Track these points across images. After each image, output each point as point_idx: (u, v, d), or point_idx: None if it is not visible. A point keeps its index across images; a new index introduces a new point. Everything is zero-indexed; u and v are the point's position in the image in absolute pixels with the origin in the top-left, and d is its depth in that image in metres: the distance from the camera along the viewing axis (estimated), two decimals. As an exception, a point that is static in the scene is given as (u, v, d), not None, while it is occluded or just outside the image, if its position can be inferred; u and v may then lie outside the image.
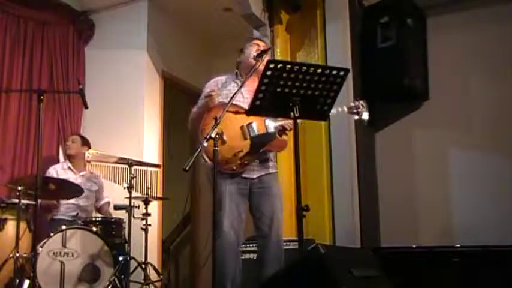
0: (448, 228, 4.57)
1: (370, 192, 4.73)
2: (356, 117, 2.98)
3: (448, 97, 4.73)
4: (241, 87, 2.98)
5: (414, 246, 4.38)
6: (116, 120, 5.30)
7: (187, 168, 2.58)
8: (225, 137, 2.99)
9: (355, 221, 4.30)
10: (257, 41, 3.36)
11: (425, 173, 4.75)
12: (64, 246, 3.81)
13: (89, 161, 4.17)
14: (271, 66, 2.53)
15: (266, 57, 3.05)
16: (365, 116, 2.98)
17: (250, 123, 3.09)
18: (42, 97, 3.37)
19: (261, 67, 2.93)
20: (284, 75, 2.54)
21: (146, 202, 4.24)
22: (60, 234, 3.82)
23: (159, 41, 5.53)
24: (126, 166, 4.16)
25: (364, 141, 4.63)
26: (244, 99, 3.11)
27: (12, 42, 5.10)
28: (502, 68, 4.54)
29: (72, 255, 3.83)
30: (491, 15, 4.61)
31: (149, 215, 4.23)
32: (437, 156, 4.74)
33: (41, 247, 3.72)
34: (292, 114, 2.60)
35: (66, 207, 4.49)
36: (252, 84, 3.17)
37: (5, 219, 3.89)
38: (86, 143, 4.79)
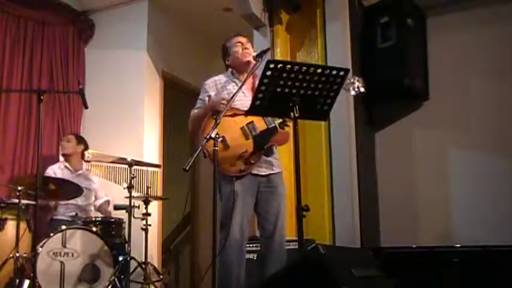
0: (448, 228, 4.57)
1: (370, 192, 4.73)
2: (353, 92, 2.95)
3: (448, 97, 4.73)
4: (241, 87, 2.98)
5: (414, 246, 4.37)
6: (116, 120, 5.30)
7: (187, 168, 2.58)
8: (227, 142, 2.98)
9: (355, 221, 4.30)
10: (239, 38, 3.34)
11: (425, 173, 4.75)
12: (64, 246, 3.82)
13: (88, 161, 4.18)
14: (271, 66, 2.53)
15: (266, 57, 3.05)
16: (361, 90, 2.95)
17: (250, 123, 3.09)
18: (42, 97, 3.37)
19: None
20: (284, 75, 2.54)
21: (146, 202, 4.24)
22: (60, 234, 3.82)
23: (159, 41, 5.53)
24: (126, 166, 4.16)
25: (364, 141, 4.63)
26: (246, 97, 3.11)
27: (12, 42, 5.11)
28: (502, 68, 4.53)
29: (72, 255, 3.83)
30: (491, 15, 4.61)
31: (149, 215, 4.23)
32: (437, 156, 4.74)
33: (41, 247, 3.72)
34: (292, 114, 2.60)
35: (66, 207, 4.49)
36: (250, 81, 3.19)
37: (5, 219, 3.89)
38: (81, 142, 4.79)
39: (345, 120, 4.39)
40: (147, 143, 5.29)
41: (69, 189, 4.16)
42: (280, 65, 2.54)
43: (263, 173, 3.13)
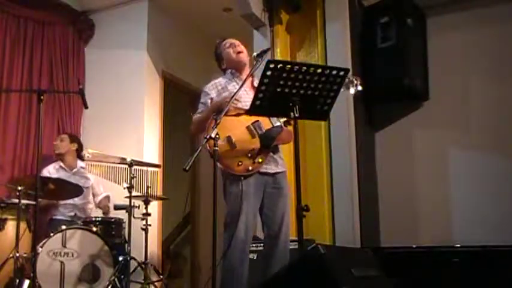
0: (448, 228, 4.57)
1: (370, 192, 4.73)
2: (352, 91, 2.95)
3: (448, 97, 4.73)
4: (241, 86, 2.98)
5: (414, 246, 4.37)
6: (116, 120, 5.30)
7: (187, 168, 2.58)
8: (233, 141, 2.98)
9: (355, 221, 4.30)
10: (229, 40, 3.38)
11: (425, 173, 4.75)
12: (64, 246, 3.82)
13: (88, 160, 4.17)
14: (271, 66, 2.53)
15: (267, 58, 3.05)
16: (359, 88, 2.95)
17: (255, 122, 3.08)
18: (42, 97, 3.37)
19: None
20: (284, 75, 2.54)
21: (146, 202, 4.24)
22: (60, 234, 3.82)
23: (159, 41, 5.53)
24: (126, 166, 4.16)
25: (364, 141, 4.63)
26: (248, 95, 3.10)
27: (12, 42, 5.11)
28: (502, 68, 4.53)
29: (72, 255, 3.83)
30: (491, 15, 4.61)
31: (149, 215, 4.23)
32: (437, 156, 4.74)
33: (41, 247, 3.72)
34: (292, 114, 2.60)
35: (64, 207, 4.48)
36: (250, 79, 3.19)
37: (5, 219, 3.90)
38: (74, 140, 4.79)
39: (345, 120, 4.39)
40: (147, 143, 5.29)
41: (69, 189, 4.16)
42: (280, 65, 2.54)
43: (271, 171, 3.12)
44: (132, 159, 4.19)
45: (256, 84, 2.96)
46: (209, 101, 3.21)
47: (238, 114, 3.07)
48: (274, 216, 3.10)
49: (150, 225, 4.24)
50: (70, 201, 4.44)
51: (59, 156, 4.75)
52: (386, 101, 4.78)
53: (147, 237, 4.20)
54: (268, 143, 3.07)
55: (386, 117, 4.93)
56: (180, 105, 6.13)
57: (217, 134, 2.71)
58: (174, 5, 5.52)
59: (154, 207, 4.98)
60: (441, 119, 4.75)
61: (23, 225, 3.81)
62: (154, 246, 5.01)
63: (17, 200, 3.75)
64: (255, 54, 3.19)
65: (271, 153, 3.12)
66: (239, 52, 3.30)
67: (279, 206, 3.11)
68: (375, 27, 4.68)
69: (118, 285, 3.87)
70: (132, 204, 4.07)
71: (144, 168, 4.33)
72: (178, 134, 6.13)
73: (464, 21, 4.73)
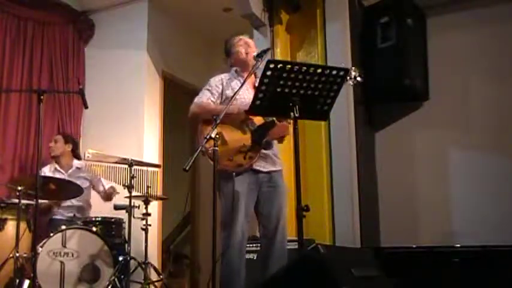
0: (448, 228, 4.57)
1: (370, 192, 4.73)
2: (350, 82, 2.95)
3: (448, 97, 4.73)
4: (241, 86, 2.99)
5: (414, 246, 4.37)
6: (116, 120, 5.30)
7: (187, 168, 2.58)
8: (225, 137, 2.98)
9: (355, 221, 4.30)
10: (245, 39, 3.35)
11: (425, 173, 4.75)
12: (64, 246, 3.82)
13: (88, 161, 4.17)
14: (271, 66, 2.53)
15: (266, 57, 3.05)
16: (358, 79, 2.94)
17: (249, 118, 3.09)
18: (42, 97, 3.37)
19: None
20: (284, 75, 2.54)
21: (146, 202, 4.24)
22: (60, 234, 3.82)
23: (159, 41, 5.53)
24: (126, 166, 4.16)
25: (364, 141, 4.63)
26: (250, 94, 3.10)
27: (12, 42, 5.11)
28: (502, 68, 4.53)
29: (72, 255, 3.83)
30: (491, 15, 4.61)
31: (149, 215, 4.23)
32: (437, 156, 4.74)
33: (41, 247, 3.72)
34: (292, 114, 2.60)
35: (63, 208, 4.47)
36: (252, 79, 3.19)
37: (5, 219, 3.90)
38: (69, 141, 4.74)
39: (345, 120, 4.39)
40: (147, 143, 5.29)
41: (69, 189, 4.15)
42: (280, 65, 2.54)
43: (265, 170, 3.12)
44: (132, 159, 4.18)
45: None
46: (215, 92, 3.20)
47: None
48: (270, 216, 3.10)
49: (150, 225, 4.23)
50: (68, 202, 4.43)
51: (54, 158, 4.72)
52: (387, 101, 4.78)
53: (147, 237, 4.20)
54: (260, 138, 3.07)
55: (386, 117, 4.93)
56: (180, 105, 6.11)
57: (217, 134, 2.71)
58: (174, 5, 5.52)
59: (154, 207, 4.98)
60: (441, 119, 4.75)
61: (23, 225, 3.81)
62: (154, 246, 5.01)
63: (17, 200, 3.75)
64: (255, 54, 3.20)
65: (265, 151, 3.12)
66: (248, 53, 3.28)
67: (274, 205, 3.11)
68: (375, 27, 4.68)
69: (118, 285, 3.87)
70: (132, 204, 4.06)
71: (144, 168, 4.33)
72: (178, 134, 6.14)
73: (464, 21, 4.73)
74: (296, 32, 4.80)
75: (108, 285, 3.84)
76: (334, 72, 2.61)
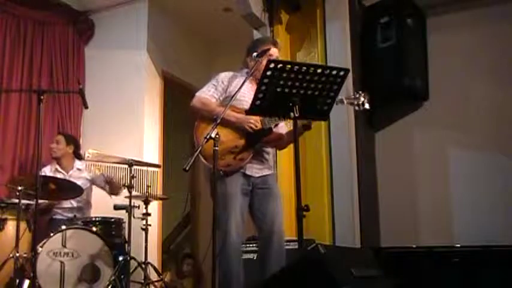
0: (448, 228, 4.56)
1: (370, 192, 4.73)
2: (356, 108, 2.98)
3: (448, 97, 4.72)
4: (241, 87, 2.97)
5: (414, 246, 4.38)
6: (115, 120, 5.30)
7: (187, 168, 2.58)
8: (221, 137, 2.97)
9: (355, 221, 4.30)
10: (276, 54, 3.24)
11: (425, 173, 4.75)
12: (64, 246, 3.82)
13: (88, 161, 4.17)
14: (271, 66, 2.53)
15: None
16: (366, 106, 2.98)
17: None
18: (42, 97, 3.37)
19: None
20: (284, 75, 2.54)
21: (146, 202, 4.24)
22: (60, 234, 3.82)
23: (159, 41, 5.53)
24: (126, 166, 4.16)
25: (364, 142, 4.63)
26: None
27: (12, 42, 5.11)
28: (502, 68, 4.53)
29: (72, 255, 3.83)
30: (491, 15, 4.61)
31: (149, 215, 4.23)
32: (437, 156, 4.74)
33: (41, 247, 3.72)
34: (292, 114, 2.60)
35: (63, 209, 4.46)
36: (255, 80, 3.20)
37: (5, 219, 3.90)
38: (70, 142, 4.69)
39: (345, 120, 4.38)
40: (147, 143, 5.29)
41: (69, 189, 4.15)
42: (280, 65, 2.54)
43: (256, 174, 3.13)
44: (132, 159, 4.18)
45: None
46: (220, 88, 3.20)
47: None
48: (265, 218, 3.10)
49: (150, 225, 4.23)
50: (68, 203, 4.43)
51: (55, 159, 4.70)
52: (387, 101, 4.77)
53: (147, 237, 4.20)
54: (253, 142, 3.07)
55: (386, 117, 4.92)
56: (180, 105, 6.12)
57: (217, 134, 2.71)
58: (174, 5, 5.52)
59: (154, 207, 4.98)
60: (441, 119, 4.75)
61: (23, 225, 3.81)
62: (154, 246, 5.01)
63: (17, 200, 3.75)
64: (255, 54, 3.19)
65: (258, 155, 3.13)
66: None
67: (269, 207, 3.11)
68: (375, 27, 4.68)
69: (118, 285, 3.87)
70: (132, 204, 4.06)
71: (144, 168, 4.33)
72: (178, 134, 6.13)
73: (464, 21, 4.72)
74: (296, 32, 4.80)
75: (108, 285, 3.84)
76: (334, 72, 2.61)
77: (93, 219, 4.26)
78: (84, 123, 5.47)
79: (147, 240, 4.20)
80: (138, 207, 4.20)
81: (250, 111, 2.77)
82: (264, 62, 3.07)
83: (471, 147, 4.60)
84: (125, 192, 4.12)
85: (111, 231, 4.19)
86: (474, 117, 4.62)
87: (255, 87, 3.15)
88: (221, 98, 3.19)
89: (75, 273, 3.81)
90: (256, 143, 3.09)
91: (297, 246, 2.58)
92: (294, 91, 2.59)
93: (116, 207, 4.26)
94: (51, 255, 3.76)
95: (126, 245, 4.06)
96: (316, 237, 3.87)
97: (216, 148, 2.73)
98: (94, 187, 4.73)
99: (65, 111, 5.32)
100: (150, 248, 4.34)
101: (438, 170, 4.71)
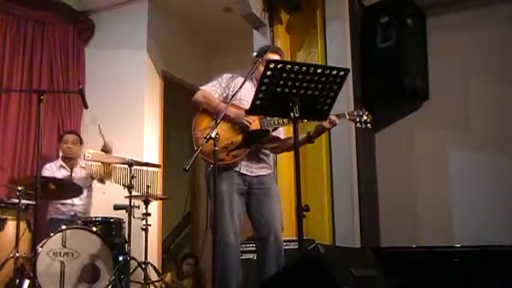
0: (448, 228, 4.57)
1: (370, 192, 4.73)
2: (358, 125, 3.01)
3: (448, 97, 4.72)
4: (240, 87, 2.97)
5: (414, 246, 4.38)
6: (115, 120, 5.30)
7: (187, 168, 2.57)
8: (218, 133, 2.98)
9: (355, 221, 4.30)
10: (272, 56, 3.21)
11: (425, 173, 4.75)
12: (64, 246, 3.82)
13: (88, 161, 4.17)
14: (271, 66, 2.53)
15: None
16: (368, 125, 3.01)
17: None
18: (42, 97, 3.36)
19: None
20: (284, 75, 2.54)
21: (146, 202, 4.24)
22: (60, 234, 3.82)
23: (159, 41, 5.53)
24: (126, 166, 4.16)
25: (364, 142, 4.63)
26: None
27: (12, 42, 5.11)
28: (502, 68, 4.53)
29: (72, 255, 3.83)
30: (491, 15, 4.61)
31: (149, 215, 4.23)
32: (437, 156, 4.74)
33: (41, 247, 3.72)
34: (292, 114, 2.60)
35: (64, 206, 4.47)
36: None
37: (5, 219, 3.90)
38: (82, 142, 4.79)
39: (345, 121, 4.37)
40: (147, 143, 5.29)
41: (69, 189, 4.16)
42: (280, 65, 2.54)
43: (251, 174, 3.12)
44: (132, 159, 4.18)
45: None
46: (224, 85, 3.20)
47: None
48: (262, 218, 3.09)
49: (150, 225, 4.23)
50: (69, 201, 4.43)
51: (67, 158, 4.69)
52: (387, 101, 4.78)
53: (147, 237, 4.20)
54: (249, 142, 3.07)
55: (386, 118, 4.92)
56: (180, 105, 6.13)
57: (217, 134, 2.71)
58: (174, 5, 5.52)
59: (154, 207, 4.98)
60: (441, 119, 4.75)
61: (23, 225, 3.81)
62: (154, 246, 5.01)
63: (17, 200, 3.75)
64: (254, 54, 3.19)
65: (255, 154, 3.12)
66: None
67: (266, 208, 3.10)
68: (375, 27, 4.68)
69: (118, 285, 3.87)
70: (132, 204, 4.07)
71: (144, 168, 4.34)
72: (178, 134, 6.13)
73: (464, 21, 4.73)
74: (296, 32, 4.80)
75: (108, 285, 3.84)
76: (334, 72, 2.61)
77: (93, 219, 4.27)
78: (84, 123, 5.47)
79: (147, 240, 4.20)
80: (138, 207, 4.20)
81: (251, 111, 2.77)
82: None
83: (471, 147, 4.60)
84: (125, 192, 4.12)
85: (111, 231, 4.20)
86: (474, 117, 4.63)
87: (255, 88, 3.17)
88: (224, 95, 3.19)
89: (75, 273, 3.81)
90: (252, 142, 3.09)
91: (297, 246, 2.58)
92: (294, 91, 2.59)
93: (116, 207, 4.26)
94: (51, 255, 3.76)
95: (126, 245, 4.07)
96: (316, 237, 3.87)
97: (216, 148, 2.73)
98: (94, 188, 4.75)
99: (65, 111, 5.32)
100: (150, 248, 4.35)
101: (438, 170, 4.71)
